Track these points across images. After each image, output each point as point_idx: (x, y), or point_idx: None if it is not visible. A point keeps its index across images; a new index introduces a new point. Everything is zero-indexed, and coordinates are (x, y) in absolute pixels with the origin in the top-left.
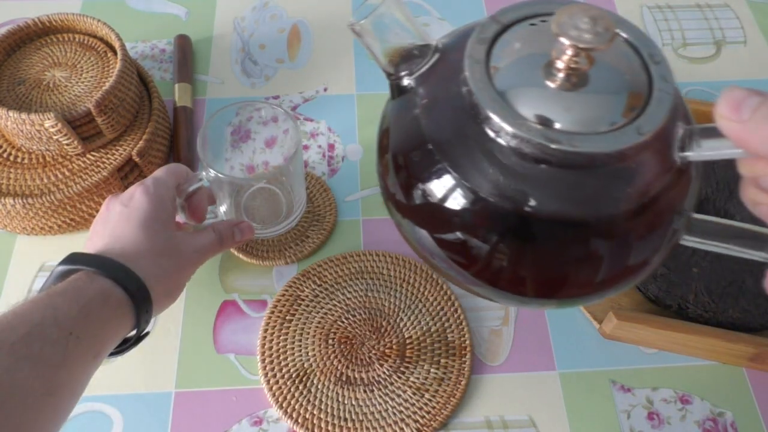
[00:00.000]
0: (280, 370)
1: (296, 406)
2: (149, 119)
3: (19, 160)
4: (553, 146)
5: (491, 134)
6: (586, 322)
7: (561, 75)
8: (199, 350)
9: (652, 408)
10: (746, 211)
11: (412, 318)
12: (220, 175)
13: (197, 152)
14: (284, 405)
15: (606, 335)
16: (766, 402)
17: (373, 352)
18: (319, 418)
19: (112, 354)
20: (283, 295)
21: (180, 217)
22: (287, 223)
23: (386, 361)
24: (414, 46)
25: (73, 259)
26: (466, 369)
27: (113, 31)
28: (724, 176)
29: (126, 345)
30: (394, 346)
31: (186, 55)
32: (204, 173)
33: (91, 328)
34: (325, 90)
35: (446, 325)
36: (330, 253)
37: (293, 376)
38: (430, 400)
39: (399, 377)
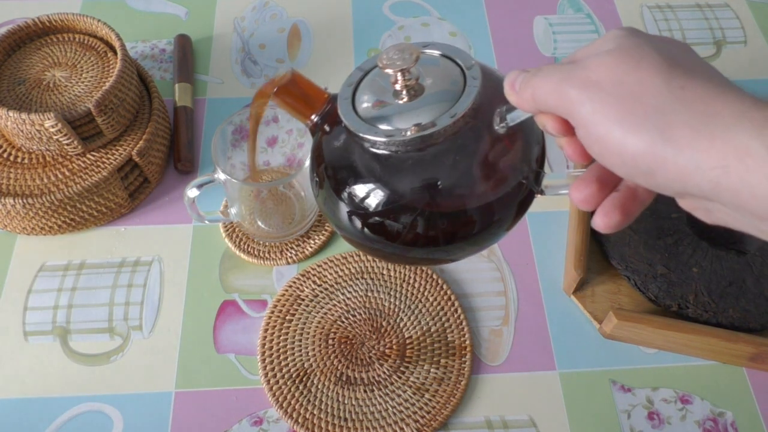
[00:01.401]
0: (280, 370)
1: (296, 406)
2: (149, 119)
3: (19, 160)
4: (393, 138)
5: (364, 144)
6: (586, 322)
7: (403, 92)
8: (199, 350)
9: (652, 408)
10: None
11: (412, 318)
12: (233, 180)
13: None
14: (284, 405)
15: (606, 335)
16: (766, 402)
17: (373, 352)
18: (319, 418)
19: None
20: (283, 295)
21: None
22: (301, 227)
23: (386, 361)
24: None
25: None
26: (466, 369)
27: (113, 31)
28: None
29: None
30: (394, 346)
31: (186, 55)
32: (216, 175)
33: None
34: (326, 90)
35: (446, 325)
36: (330, 253)
37: (293, 376)
38: (430, 400)
39: (399, 377)
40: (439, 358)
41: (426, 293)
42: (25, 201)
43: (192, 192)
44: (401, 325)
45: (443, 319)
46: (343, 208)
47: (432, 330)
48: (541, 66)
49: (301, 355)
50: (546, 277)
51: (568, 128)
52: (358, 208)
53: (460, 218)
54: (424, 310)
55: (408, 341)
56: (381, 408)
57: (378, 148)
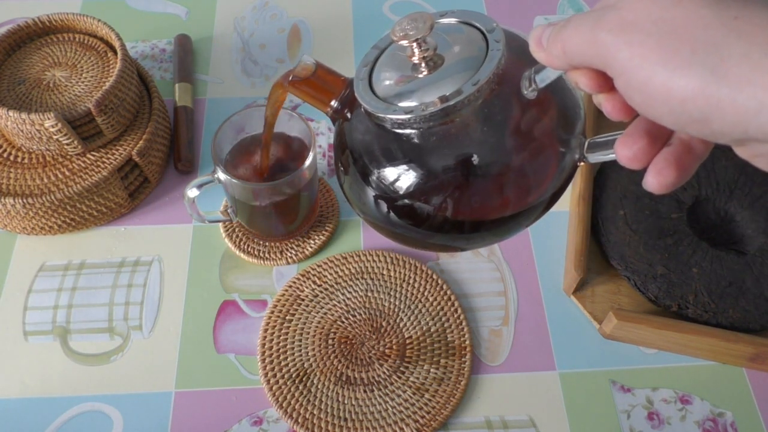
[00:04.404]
0: (280, 370)
1: (296, 406)
2: (149, 119)
3: (19, 160)
4: (413, 115)
5: (385, 125)
6: (586, 322)
7: (422, 65)
8: (199, 350)
9: (652, 408)
10: (746, 211)
11: (412, 318)
12: (233, 180)
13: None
14: (284, 405)
15: (606, 335)
16: (766, 402)
17: (373, 352)
18: (319, 418)
19: None
20: (283, 295)
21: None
22: (301, 227)
23: (386, 361)
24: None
25: None
26: (465, 369)
27: (113, 30)
28: (724, 177)
29: None
30: (394, 346)
31: (186, 55)
32: (216, 175)
33: None
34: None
35: (446, 325)
36: (330, 253)
37: (293, 376)
38: (429, 400)
39: (399, 377)
40: (439, 358)
41: (426, 293)
42: (25, 201)
43: (192, 192)
44: (401, 325)
45: (443, 319)
46: (370, 194)
47: (432, 330)
48: (569, 17)
49: (301, 355)
50: (546, 277)
51: (605, 82)
52: (385, 193)
53: (493, 198)
54: (424, 310)
55: (408, 341)
56: (381, 408)
57: (400, 128)
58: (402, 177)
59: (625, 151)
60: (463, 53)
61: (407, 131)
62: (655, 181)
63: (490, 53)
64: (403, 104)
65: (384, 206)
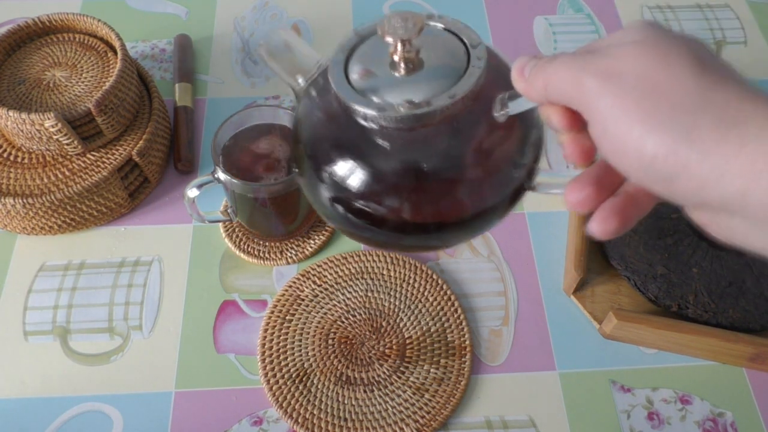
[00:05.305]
0: (280, 370)
1: (296, 406)
2: (149, 119)
3: (19, 160)
4: (385, 113)
5: (354, 116)
6: (586, 322)
7: (401, 64)
8: (199, 350)
9: (652, 408)
10: None
11: (412, 318)
12: (234, 180)
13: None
14: (284, 405)
15: (606, 335)
16: (766, 402)
17: (373, 352)
18: (319, 418)
19: None
20: (283, 295)
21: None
22: (301, 227)
23: (386, 361)
24: (308, 63)
25: None
26: (465, 369)
27: (113, 30)
28: None
29: None
30: (394, 347)
31: (186, 55)
32: (216, 175)
33: None
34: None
35: (446, 325)
36: (330, 253)
37: (293, 376)
38: (429, 400)
39: (399, 377)
40: (439, 358)
41: (426, 293)
42: (25, 201)
43: (192, 192)
44: (401, 325)
45: (443, 319)
46: (325, 187)
47: (432, 330)
48: (555, 54)
49: (301, 355)
50: (546, 277)
51: (576, 123)
52: (340, 189)
53: (448, 205)
54: (424, 311)
55: (408, 341)
56: (381, 408)
57: (368, 122)
58: (358, 172)
59: (574, 194)
60: (443, 62)
61: (373, 126)
62: (598, 228)
63: (470, 68)
64: (376, 100)
65: (340, 203)
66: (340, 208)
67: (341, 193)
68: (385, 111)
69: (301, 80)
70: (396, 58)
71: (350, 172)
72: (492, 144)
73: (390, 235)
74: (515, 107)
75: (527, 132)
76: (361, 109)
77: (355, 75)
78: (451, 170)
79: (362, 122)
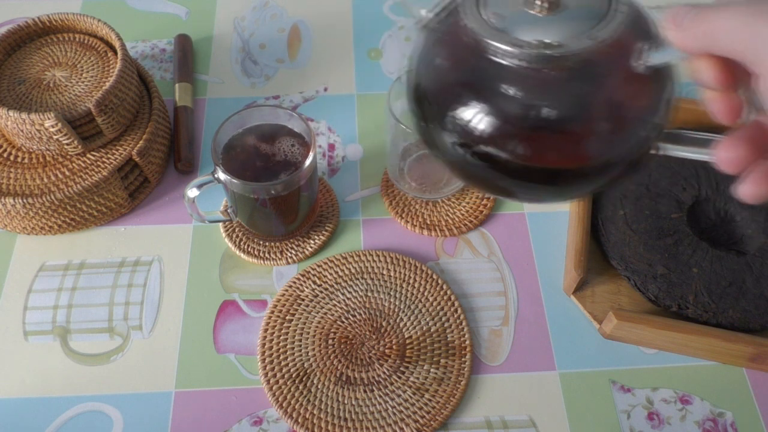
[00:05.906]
0: (280, 370)
1: (296, 406)
2: (149, 119)
3: (19, 160)
4: (522, 50)
5: (487, 51)
6: (586, 322)
7: (537, 2)
8: (199, 350)
9: (652, 408)
10: (746, 211)
11: (412, 318)
12: (234, 180)
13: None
14: (284, 405)
15: (606, 335)
16: (766, 402)
17: (373, 352)
18: (319, 418)
19: None
20: (283, 295)
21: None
22: (301, 227)
23: (386, 361)
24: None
25: None
26: (465, 369)
27: (113, 30)
28: (724, 177)
29: None
30: (394, 346)
31: (186, 55)
32: (216, 175)
33: None
34: (326, 90)
35: (446, 325)
36: (330, 253)
37: (293, 376)
38: (429, 400)
39: (399, 377)
40: (439, 358)
41: (426, 293)
42: (25, 201)
43: (192, 192)
44: (401, 325)
45: (443, 319)
46: (450, 121)
47: (432, 330)
48: (717, 2)
49: (301, 355)
50: (546, 277)
51: (732, 78)
52: (465, 127)
53: (572, 153)
54: (424, 310)
55: (408, 341)
56: (381, 408)
57: (501, 58)
58: (487, 109)
59: (725, 153)
60: (583, 4)
61: (508, 64)
62: (749, 191)
63: (612, 13)
64: (514, 36)
65: (457, 141)
66: (460, 150)
67: (465, 133)
68: (521, 48)
69: (424, 12)
70: None
71: (478, 111)
72: (626, 96)
73: (509, 181)
74: (657, 58)
75: (662, 88)
76: (494, 43)
77: (488, 11)
78: (582, 117)
79: (495, 59)
